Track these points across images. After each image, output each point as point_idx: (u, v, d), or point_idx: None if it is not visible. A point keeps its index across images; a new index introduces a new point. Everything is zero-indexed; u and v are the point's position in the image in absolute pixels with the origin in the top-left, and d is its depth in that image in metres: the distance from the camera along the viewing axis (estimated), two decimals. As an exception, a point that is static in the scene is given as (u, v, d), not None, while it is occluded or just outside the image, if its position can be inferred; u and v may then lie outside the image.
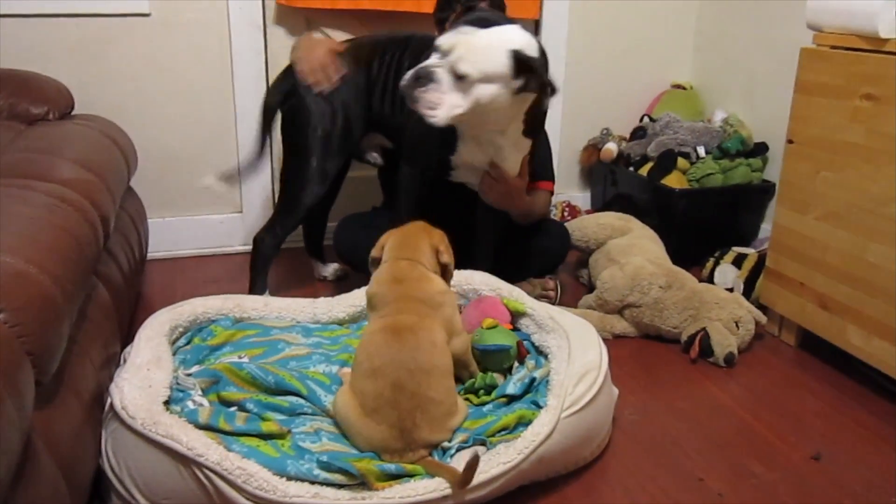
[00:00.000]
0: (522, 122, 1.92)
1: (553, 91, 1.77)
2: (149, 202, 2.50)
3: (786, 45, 2.63)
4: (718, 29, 3.04)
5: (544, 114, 2.01)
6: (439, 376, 1.45)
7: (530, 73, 1.74)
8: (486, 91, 1.74)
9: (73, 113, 2.27)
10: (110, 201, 1.75)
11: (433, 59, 1.76)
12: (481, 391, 1.66)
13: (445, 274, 1.63)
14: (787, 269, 2.13)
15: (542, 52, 1.82)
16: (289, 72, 2.13)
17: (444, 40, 1.74)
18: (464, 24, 1.76)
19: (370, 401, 1.41)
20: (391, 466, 1.36)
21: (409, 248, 1.58)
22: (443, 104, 1.74)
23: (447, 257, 1.61)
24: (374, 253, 1.63)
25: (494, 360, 1.72)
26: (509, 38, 1.74)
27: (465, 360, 1.66)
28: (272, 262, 2.19)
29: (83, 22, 2.45)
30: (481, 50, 1.71)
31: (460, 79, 1.72)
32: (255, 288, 2.18)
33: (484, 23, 1.75)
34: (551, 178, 2.38)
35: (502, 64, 1.72)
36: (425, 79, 1.74)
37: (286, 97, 2.11)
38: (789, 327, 2.18)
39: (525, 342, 1.81)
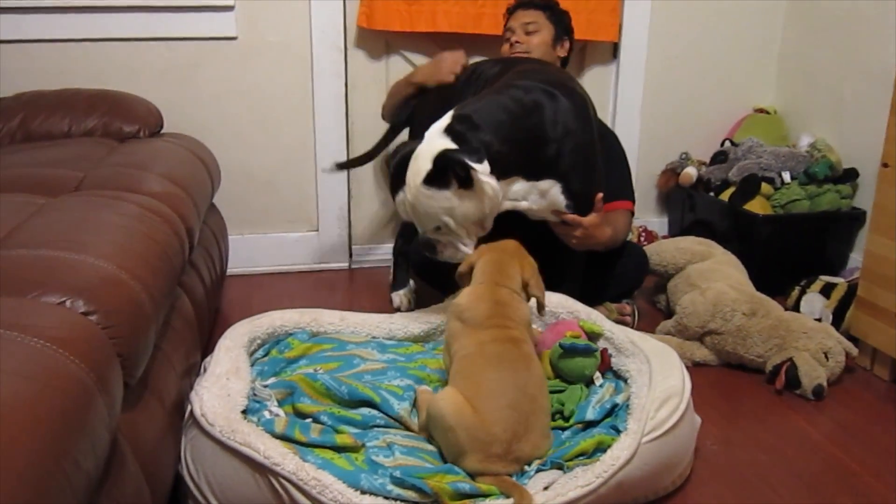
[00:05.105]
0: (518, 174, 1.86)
1: (466, 168, 1.70)
2: (229, 219, 2.56)
3: (877, 65, 2.54)
4: (803, 51, 2.94)
5: (536, 153, 1.90)
6: (546, 387, 1.54)
7: (452, 175, 1.73)
8: (459, 212, 1.77)
9: (162, 132, 2.35)
10: (195, 215, 1.80)
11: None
12: (557, 416, 1.62)
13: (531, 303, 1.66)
14: (880, 299, 2.02)
15: (459, 139, 1.75)
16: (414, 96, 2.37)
17: None
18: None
19: (490, 400, 1.42)
20: (465, 486, 1.34)
21: (507, 276, 1.60)
22: (458, 250, 1.84)
23: (537, 291, 1.62)
24: (462, 269, 1.67)
25: (578, 364, 1.70)
26: (424, 162, 1.74)
27: None
28: (407, 261, 2.38)
29: (174, 45, 2.55)
30: (423, 203, 1.76)
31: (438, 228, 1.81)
32: (395, 282, 2.41)
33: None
34: (629, 198, 2.31)
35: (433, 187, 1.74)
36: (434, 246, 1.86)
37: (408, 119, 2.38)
38: (882, 361, 2.07)
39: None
